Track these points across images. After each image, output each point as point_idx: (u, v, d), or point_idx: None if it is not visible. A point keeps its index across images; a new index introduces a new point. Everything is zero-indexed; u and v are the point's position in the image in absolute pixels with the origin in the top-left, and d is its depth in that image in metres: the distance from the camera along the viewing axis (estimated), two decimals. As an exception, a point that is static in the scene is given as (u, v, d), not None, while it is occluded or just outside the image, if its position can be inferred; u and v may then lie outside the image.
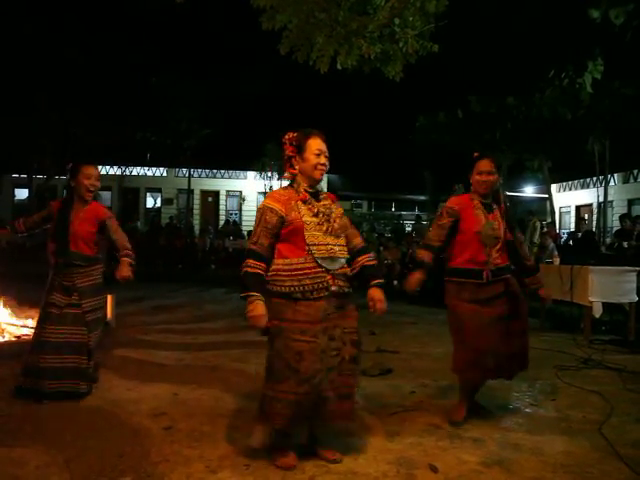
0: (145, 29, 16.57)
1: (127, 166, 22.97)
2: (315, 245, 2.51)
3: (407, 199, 26.10)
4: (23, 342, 4.89)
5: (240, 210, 23.67)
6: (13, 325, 5.21)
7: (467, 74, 14.94)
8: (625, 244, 7.80)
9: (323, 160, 2.61)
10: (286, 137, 2.65)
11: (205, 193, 23.87)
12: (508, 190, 19.93)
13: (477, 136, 15.34)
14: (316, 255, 2.50)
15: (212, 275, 13.87)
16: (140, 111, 17.67)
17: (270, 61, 9.99)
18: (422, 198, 25.06)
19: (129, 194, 23.61)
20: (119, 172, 23.16)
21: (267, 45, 6.34)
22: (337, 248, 2.57)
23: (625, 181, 19.88)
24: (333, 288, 2.51)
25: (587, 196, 20.66)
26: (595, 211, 18.29)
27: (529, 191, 22.94)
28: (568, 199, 22.38)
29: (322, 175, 2.64)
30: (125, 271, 3.58)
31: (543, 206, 21.27)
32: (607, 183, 16.17)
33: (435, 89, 16.27)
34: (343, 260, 2.60)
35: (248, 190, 23.61)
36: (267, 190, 22.04)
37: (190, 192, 21.51)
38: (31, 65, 15.23)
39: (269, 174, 21.69)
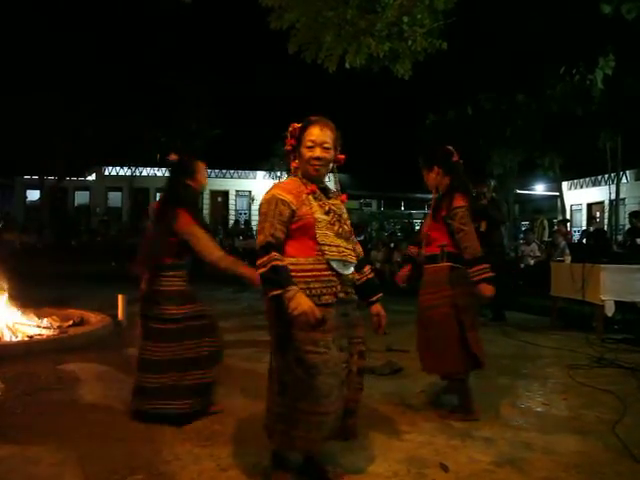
0: (155, 30, 16.68)
1: (137, 167, 23.11)
2: (327, 245, 2.25)
3: (417, 198, 25.97)
4: (36, 342, 4.95)
5: (249, 210, 23.72)
6: (26, 325, 5.26)
7: (476, 71, 14.83)
8: (639, 241, 7.71)
9: (317, 153, 2.27)
10: (289, 129, 2.38)
11: (214, 193, 23.96)
12: (519, 188, 19.80)
13: (487, 134, 15.24)
14: (328, 257, 2.24)
15: (222, 274, 13.89)
16: (150, 112, 17.78)
17: (279, 61, 9.98)
18: (431, 197, 24.93)
19: (139, 194, 23.75)
20: (129, 173, 23.31)
21: (276, 44, 6.36)
22: (348, 252, 2.32)
23: (638, 178, 19.66)
24: (341, 295, 2.28)
25: (599, 194, 20.46)
26: (607, 209, 18.11)
27: (540, 189, 22.75)
28: (579, 197, 22.18)
29: (317, 171, 2.30)
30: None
31: (554, 204, 21.11)
32: (619, 180, 15.99)
33: (444, 87, 16.19)
34: (353, 266, 2.37)
35: (257, 190, 23.64)
36: (276, 190, 22.09)
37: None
38: (42, 66, 15.38)
39: (278, 174, 21.71)
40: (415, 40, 5.63)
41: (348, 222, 2.41)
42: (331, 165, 2.39)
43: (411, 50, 5.75)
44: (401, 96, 15.87)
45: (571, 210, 21.53)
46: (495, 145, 15.70)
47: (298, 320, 2.11)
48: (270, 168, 21.75)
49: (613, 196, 15.87)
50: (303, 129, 2.31)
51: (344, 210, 2.44)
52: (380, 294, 2.50)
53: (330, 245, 2.27)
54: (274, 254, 2.17)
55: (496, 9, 10.11)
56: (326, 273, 2.25)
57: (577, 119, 12.85)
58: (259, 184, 23.58)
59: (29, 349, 4.71)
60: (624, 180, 18.46)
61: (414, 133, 16.34)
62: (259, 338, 5.52)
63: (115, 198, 24.86)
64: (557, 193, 18.64)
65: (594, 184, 21.29)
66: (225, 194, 24.08)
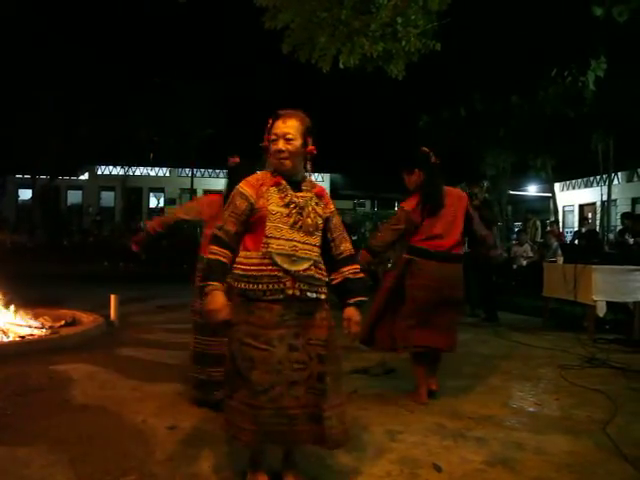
0: (149, 30, 16.62)
1: (130, 166, 23.02)
2: (275, 239, 2.17)
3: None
4: (28, 342, 4.92)
5: (243, 209, 23.71)
6: (17, 325, 5.22)
7: (470, 72, 14.89)
8: (631, 240, 7.76)
9: (279, 146, 2.21)
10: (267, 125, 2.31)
11: (208, 192, 23.92)
12: (512, 189, 19.89)
13: (480, 135, 15.31)
14: (273, 251, 2.15)
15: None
16: (143, 111, 17.71)
17: (273, 61, 9.98)
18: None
19: (132, 194, 23.66)
20: (122, 172, 23.21)
21: (270, 44, 6.35)
22: (303, 246, 2.19)
23: (629, 180, 19.83)
24: (291, 292, 2.15)
25: (591, 195, 20.62)
26: (599, 210, 18.25)
27: (532, 190, 22.90)
28: (571, 198, 22.34)
29: (282, 164, 2.24)
30: None
31: (546, 205, 21.23)
32: (611, 182, 16.13)
33: (438, 88, 16.23)
34: (311, 262, 2.20)
35: (251, 189, 23.63)
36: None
37: (193, 192, 21.57)
38: (35, 65, 15.28)
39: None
40: (409, 41, 5.65)
41: (313, 215, 2.25)
42: (303, 157, 2.29)
43: (405, 51, 5.76)
44: (395, 96, 15.90)
45: (563, 211, 21.69)
46: (488, 146, 15.77)
47: (206, 316, 2.19)
48: (264, 167, 21.72)
49: (605, 197, 15.99)
50: (272, 123, 2.28)
51: (313, 203, 2.27)
52: (359, 297, 2.31)
53: (279, 239, 2.18)
54: (214, 247, 2.20)
55: (489, 11, 10.15)
56: (272, 268, 2.16)
57: (569, 121, 12.94)
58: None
59: (20, 349, 4.67)
60: (616, 182, 18.61)
61: (408, 133, 16.39)
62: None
63: (108, 197, 24.78)
64: (549, 194, 18.76)
65: (586, 185, 21.46)
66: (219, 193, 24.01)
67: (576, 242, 12.45)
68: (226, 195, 3.24)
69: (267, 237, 2.18)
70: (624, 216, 8.98)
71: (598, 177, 17.87)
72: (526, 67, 13.15)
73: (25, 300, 5.78)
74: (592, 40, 7.91)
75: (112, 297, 6.20)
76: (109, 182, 23.84)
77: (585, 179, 21.30)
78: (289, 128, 2.23)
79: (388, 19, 5.51)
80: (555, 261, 6.99)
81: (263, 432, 2.14)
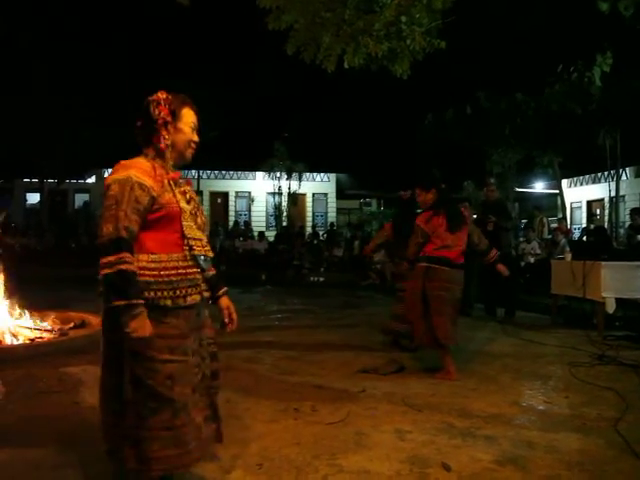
0: (153, 32, 16.68)
1: (137, 169, 23.08)
2: (193, 239, 2.00)
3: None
4: (37, 345, 4.95)
5: (249, 211, 23.73)
6: (27, 328, 5.26)
7: (475, 70, 14.83)
8: (639, 237, 7.70)
9: (197, 137, 2.11)
10: (160, 96, 2.06)
11: (214, 194, 23.96)
12: (518, 186, 19.80)
13: (486, 132, 15.25)
14: (196, 252, 2.00)
15: (223, 276, 13.89)
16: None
17: (278, 61, 9.99)
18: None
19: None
20: (129, 175, 23.29)
21: (275, 45, 6.35)
22: (207, 246, 2.09)
23: (637, 175, 19.66)
24: (205, 293, 2.07)
25: (598, 191, 20.47)
26: (607, 206, 18.11)
27: (539, 187, 22.77)
28: (579, 194, 22.19)
29: (190, 156, 2.13)
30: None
31: (554, 202, 21.12)
32: (619, 177, 15.99)
33: (443, 86, 16.19)
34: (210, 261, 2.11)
35: (257, 191, 23.66)
36: (276, 190, 22.08)
37: (199, 194, 21.64)
38: (40, 69, 15.38)
39: (278, 174, 21.71)
40: (413, 39, 5.63)
41: (201, 212, 2.14)
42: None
43: (409, 50, 5.75)
44: (400, 96, 15.87)
45: (571, 208, 21.54)
46: (494, 144, 15.71)
47: (132, 342, 1.83)
48: (269, 168, 21.75)
49: (613, 193, 15.87)
50: (182, 105, 2.07)
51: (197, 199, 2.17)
52: (226, 287, 2.24)
53: (195, 239, 2.02)
54: (125, 255, 1.82)
55: (494, 8, 10.11)
56: (192, 271, 1.99)
57: (576, 117, 12.87)
58: (259, 185, 23.59)
59: (30, 352, 4.70)
60: (624, 177, 18.46)
61: (414, 132, 16.36)
62: (260, 339, 5.55)
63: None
64: (557, 191, 18.65)
65: (594, 181, 21.30)
66: (225, 195, 24.08)
67: (584, 239, 12.38)
68: (395, 224, 4.77)
69: (187, 238, 1.99)
70: (634, 212, 8.90)
71: (606, 173, 17.72)
72: (532, 64, 13.09)
73: (34, 303, 5.81)
74: (598, 35, 7.86)
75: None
76: (116, 185, 23.95)
77: (593, 175, 21.14)
78: (196, 119, 2.12)
79: (392, 18, 5.50)
80: (563, 258, 6.95)
81: (188, 452, 1.93)
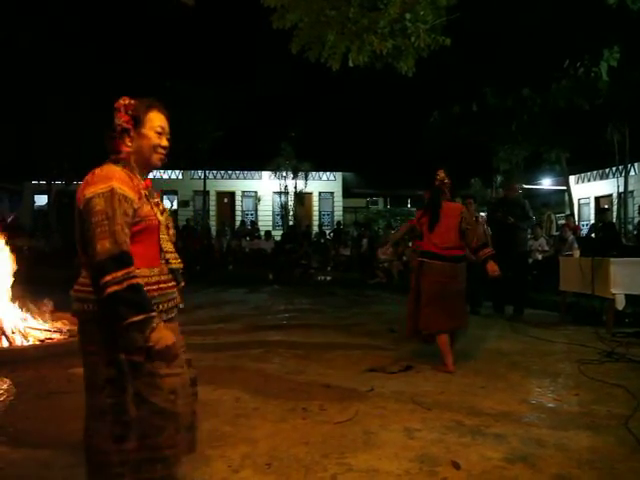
0: (158, 33, 16.73)
1: (143, 169, 23.18)
2: (168, 252, 1.96)
3: (423, 195, 25.91)
4: (47, 346, 4.98)
5: (256, 210, 23.77)
6: (37, 329, 5.30)
7: (481, 67, 14.75)
8: None
9: (165, 142, 1.97)
10: (121, 102, 1.97)
11: (221, 194, 24.02)
12: (526, 183, 19.70)
13: (493, 129, 15.18)
14: (173, 266, 1.97)
15: (230, 276, 13.95)
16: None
17: (282, 60, 9.99)
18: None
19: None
20: (136, 175, 23.41)
21: (279, 44, 6.36)
22: (179, 258, 2.04)
23: (646, 170, 19.48)
24: (180, 305, 2.04)
25: (606, 187, 20.31)
26: (615, 202, 17.98)
27: (547, 183, 22.62)
28: (587, 190, 22.03)
29: (160, 162, 1.98)
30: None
31: (561, 198, 20.98)
32: (627, 173, 15.85)
33: (448, 83, 16.12)
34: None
35: (263, 190, 23.69)
36: (282, 190, 22.10)
37: (206, 193, 21.67)
38: (45, 70, 15.48)
39: (284, 174, 21.73)
40: (418, 37, 5.62)
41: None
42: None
43: (414, 47, 5.74)
44: (405, 93, 15.82)
45: (579, 204, 21.39)
46: (501, 140, 15.62)
47: (158, 355, 1.75)
48: (276, 168, 21.76)
49: (621, 189, 15.74)
50: (147, 110, 1.96)
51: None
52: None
53: (169, 252, 1.97)
54: (132, 269, 1.73)
55: (499, 3, 10.05)
56: (170, 285, 1.94)
57: (583, 112, 12.77)
58: (265, 184, 23.63)
59: (40, 353, 4.74)
60: (632, 173, 18.30)
61: (419, 130, 16.31)
62: (268, 338, 5.57)
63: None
64: (564, 187, 18.52)
65: (602, 177, 21.13)
66: (231, 195, 24.13)
67: (592, 235, 12.30)
68: (434, 208, 4.45)
69: (164, 251, 1.94)
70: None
71: (614, 168, 17.59)
72: (538, 59, 13.00)
73: (43, 304, 5.85)
74: (604, 29, 7.80)
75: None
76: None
77: (600, 171, 20.96)
78: (167, 126, 2.02)
79: (397, 15, 5.49)
80: (572, 255, 6.91)
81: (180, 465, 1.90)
